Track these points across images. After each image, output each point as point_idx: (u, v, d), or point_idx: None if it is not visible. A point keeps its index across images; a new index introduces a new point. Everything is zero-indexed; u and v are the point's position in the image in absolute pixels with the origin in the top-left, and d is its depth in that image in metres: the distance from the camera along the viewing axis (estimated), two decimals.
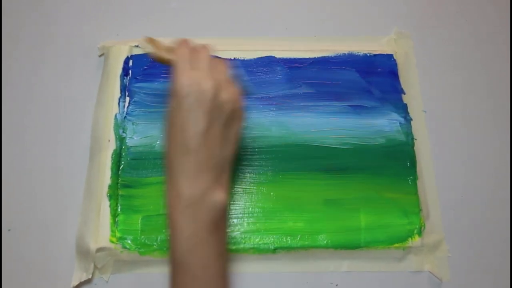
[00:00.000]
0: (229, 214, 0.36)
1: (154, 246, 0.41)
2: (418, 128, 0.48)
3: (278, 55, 0.49)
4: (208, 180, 0.33)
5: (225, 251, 0.35)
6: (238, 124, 0.35)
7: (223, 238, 0.35)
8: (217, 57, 0.37)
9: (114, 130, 0.45)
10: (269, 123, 0.46)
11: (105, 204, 0.42)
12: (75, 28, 0.52)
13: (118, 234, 0.41)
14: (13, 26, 0.51)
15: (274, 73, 0.48)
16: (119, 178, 0.43)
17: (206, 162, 0.33)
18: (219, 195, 0.33)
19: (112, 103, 0.46)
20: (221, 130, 0.33)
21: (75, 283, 0.40)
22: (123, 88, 0.47)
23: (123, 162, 0.44)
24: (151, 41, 0.38)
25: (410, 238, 0.42)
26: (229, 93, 0.34)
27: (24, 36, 0.51)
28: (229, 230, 0.41)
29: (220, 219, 0.34)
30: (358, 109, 0.47)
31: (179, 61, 0.34)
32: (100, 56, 0.50)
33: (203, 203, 0.32)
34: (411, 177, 0.45)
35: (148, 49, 0.37)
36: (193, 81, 0.32)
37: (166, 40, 0.50)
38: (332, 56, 0.49)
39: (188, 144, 0.32)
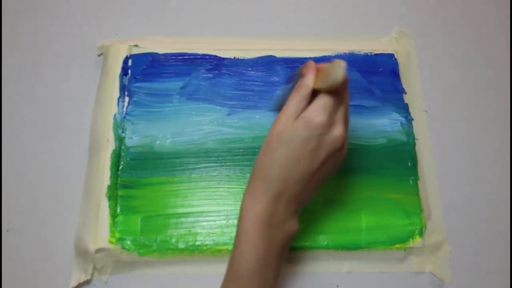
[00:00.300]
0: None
1: (154, 247, 0.41)
2: (420, 128, 0.47)
3: (279, 54, 0.49)
4: (291, 210, 0.34)
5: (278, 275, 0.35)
6: (335, 171, 0.36)
7: (281, 264, 0.35)
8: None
9: (113, 130, 0.45)
10: (269, 123, 0.46)
11: (104, 204, 0.42)
12: (74, 28, 0.51)
13: (117, 235, 0.41)
14: (12, 26, 0.51)
15: (275, 73, 0.48)
16: (119, 179, 0.43)
17: (298, 195, 0.34)
18: (294, 225, 0.35)
19: (111, 103, 0.46)
20: (326, 174, 0.35)
21: (74, 284, 0.40)
22: (122, 88, 0.47)
23: (122, 163, 0.44)
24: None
25: (411, 239, 0.42)
26: (346, 148, 0.35)
27: (23, 36, 0.51)
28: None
29: (287, 247, 0.35)
30: (359, 109, 0.47)
31: (330, 98, 0.33)
32: (99, 55, 0.50)
33: (280, 228, 0.34)
34: (412, 177, 0.44)
35: (341, 77, 0.32)
36: (331, 125, 0.33)
37: (166, 39, 0.50)
38: (333, 55, 0.49)
39: (294, 175, 0.33)
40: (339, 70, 0.32)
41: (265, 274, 0.33)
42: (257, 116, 0.46)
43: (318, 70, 0.35)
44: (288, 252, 0.36)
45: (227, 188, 0.43)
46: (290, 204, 0.34)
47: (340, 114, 0.34)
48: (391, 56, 0.50)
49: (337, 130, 0.33)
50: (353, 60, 0.49)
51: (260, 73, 0.48)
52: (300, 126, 0.33)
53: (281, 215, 0.33)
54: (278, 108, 0.37)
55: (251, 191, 0.34)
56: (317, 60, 0.49)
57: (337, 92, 0.33)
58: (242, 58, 0.49)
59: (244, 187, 0.43)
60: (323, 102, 0.33)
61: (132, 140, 0.45)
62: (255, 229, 0.33)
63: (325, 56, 0.49)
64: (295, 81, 0.36)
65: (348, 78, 0.34)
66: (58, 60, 0.50)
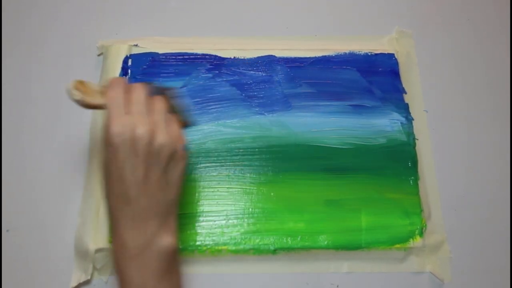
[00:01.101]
0: (179, 257, 0.35)
1: None
2: (420, 128, 0.47)
3: (279, 54, 0.49)
4: (153, 227, 0.32)
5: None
6: (180, 165, 0.33)
7: (176, 281, 0.34)
8: (159, 87, 0.34)
9: None
10: (269, 123, 0.46)
11: (104, 205, 0.42)
12: (74, 27, 0.51)
13: None
14: (12, 25, 0.51)
15: (275, 73, 0.48)
16: None
17: (148, 209, 0.32)
18: (166, 240, 0.32)
19: None
20: (161, 175, 0.32)
21: (74, 284, 0.40)
22: None
23: None
24: (81, 85, 0.33)
25: (411, 239, 0.42)
26: (166, 135, 0.32)
27: (24, 35, 0.51)
28: (182, 270, 0.37)
29: (170, 263, 0.33)
30: (359, 109, 0.47)
31: (110, 106, 0.31)
32: (99, 55, 0.50)
33: (149, 251, 0.32)
34: (412, 177, 0.44)
35: (76, 96, 0.32)
36: (125, 128, 0.30)
37: (166, 39, 0.50)
38: (333, 55, 0.49)
39: (127, 194, 0.31)
40: (70, 92, 0.32)
41: None
42: (257, 116, 0.46)
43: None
44: (179, 267, 0.34)
45: (227, 188, 0.43)
46: (146, 223, 0.32)
47: (135, 116, 0.31)
48: (391, 56, 0.49)
49: (135, 129, 0.30)
50: (353, 60, 0.49)
51: (260, 73, 0.48)
52: (103, 149, 0.31)
53: (142, 238, 0.31)
54: None
55: (110, 228, 0.33)
56: (318, 60, 0.49)
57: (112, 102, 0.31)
58: (242, 58, 0.49)
59: (244, 187, 0.43)
60: (105, 117, 0.31)
61: None
62: (123, 264, 0.32)
63: (325, 56, 0.49)
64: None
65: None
66: (58, 59, 0.50)
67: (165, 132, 0.32)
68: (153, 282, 0.32)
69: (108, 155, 0.31)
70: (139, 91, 0.32)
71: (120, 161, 0.31)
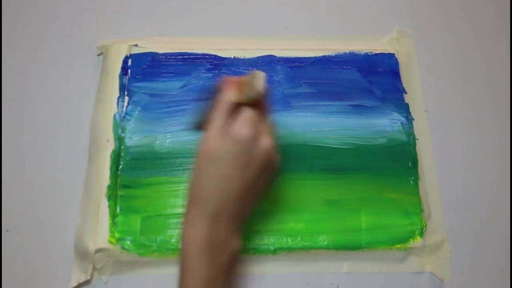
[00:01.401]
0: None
1: (154, 247, 0.41)
2: (420, 128, 0.47)
3: (279, 54, 0.49)
4: (232, 228, 0.34)
5: None
6: (273, 181, 0.36)
7: (235, 280, 0.35)
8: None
9: (113, 130, 0.45)
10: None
11: (104, 204, 0.42)
12: (74, 27, 0.51)
13: (117, 235, 0.41)
14: (12, 25, 0.51)
15: (275, 72, 0.48)
16: (118, 179, 0.43)
17: (238, 212, 0.34)
18: (237, 242, 0.34)
19: (111, 102, 0.46)
20: (262, 187, 0.35)
21: (74, 284, 0.40)
22: (122, 88, 0.47)
23: (122, 162, 0.44)
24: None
25: (411, 239, 0.42)
26: (278, 157, 0.35)
27: (23, 35, 0.51)
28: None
29: (235, 264, 0.35)
30: (359, 109, 0.47)
31: (253, 111, 0.33)
32: (99, 55, 0.50)
33: (223, 248, 0.33)
34: (412, 177, 0.44)
35: (261, 87, 0.32)
36: (259, 137, 0.33)
37: (166, 39, 0.50)
38: (333, 55, 0.49)
39: (230, 193, 0.33)
40: (259, 81, 0.32)
41: None
42: None
43: (237, 84, 0.34)
44: (237, 269, 0.36)
45: None
46: (230, 223, 0.33)
47: (265, 125, 0.34)
48: (391, 56, 0.49)
49: (265, 142, 0.33)
50: (353, 60, 0.49)
51: None
52: (227, 142, 0.32)
53: (222, 235, 0.33)
54: (197, 126, 0.36)
55: (189, 216, 0.33)
56: (318, 59, 0.49)
57: (259, 104, 0.33)
58: (242, 58, 0.49)
59: None
60: (248, 115, 0.33)
61: (132, 140, 0.45)
62: (198, 255, 0.32)
63: (325, 56, 0.49)
64: (214, 97, 0.35)
65: (268, 88, 0.33)
66: (58, 59, 0.50)
67: (277, 152, 0.35)
68: (221, 278, 0.33)
69: (233, 149, 0.32)
70: (268, 104, 0.35)
71: (241, 162, 0.32)
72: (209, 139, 0.33)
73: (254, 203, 0.35)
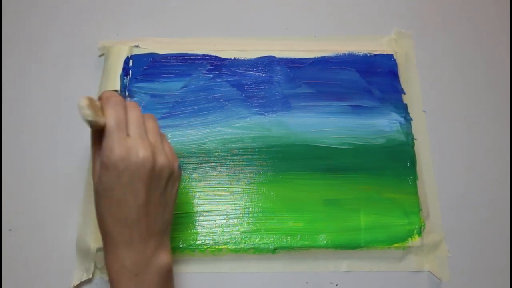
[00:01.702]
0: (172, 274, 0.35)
1: None
2: (418, 128, 0.48)
3: (278, 55, 0.49)
4: (151, 247, 0.32)
5: None
6: (176, 184, 0.34)
7: None
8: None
9: None
10: (269, 123, 0.46)
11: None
12: (75, 28, 0.51)
13: None
14: (13, 26, 0.51)
15: (274, 73, 0.48)
16: None
17: (147, 230, 0.32)
18: (163, 258, 0.33)
19: None
20: (160, 196, 0.32)
21: (76, 282, 0.41)
22: (123, 88, 0.47)
23: None
24: (90, 102, 0.30)
25: (410, 238, 0.42)
26: (165, 157, 0.32)
27: (24, 36, 0.51)
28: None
29: (167, 281, 0.33)
30: (358, 109, 0.47)
31: (111, 128, 0.30)
32: (100, 56, 0.50)
33: (148, 270, 0.32)
34: (411, 177, 0.45)
35: (89, 116, 0.29)
36: (129, 153, 0.30)
37: (166, 40, 0.50)
38: (332, 56, 0.49)
39: (128, 218, 0.31)
40: (83, 111, 0.29)
41: None
42: (257, 116, 0.46)
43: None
44: (173, 282, 0.34)
45: (227, 187, 0.44)
46: (146, 243, 0.32)
47: (133, 138, 0.31)
48: (390, 56, 0.50)
49: (138, 154, 0.30)
50: (353, 61, 0.49)
51: (260, 73, 0.48)
52: (102, 172, 0.31)
53: (143, 258, 0.32)
54: None
55: (105, 249, 0.32)
56: (317, 60, 0.49)
57: (118, 123, 0.31)
58: (242, 58, 0.49)
59: (244, 186, 0.44)
60: (105, 139, 0.30)
61: None
62: (123, 281, 0.31)
63: (324, 57, 0.49)
64: None
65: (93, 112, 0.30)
66: (59, 60, 0.50)
67: (163, 154, 0.32)
68: None
69: (109, 178, 0.30)
70: (136, 110, 0.32)
71: (123, 185, 0.30)
72: (91, 175, 0.32)
73: (164, 215, 0.33)
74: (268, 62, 0.49)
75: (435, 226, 0.44)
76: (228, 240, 0.42)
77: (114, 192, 0.30)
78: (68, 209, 0.43)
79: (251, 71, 0.48)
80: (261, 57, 0.49)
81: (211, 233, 0.42)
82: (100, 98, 0.32)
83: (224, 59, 0.49)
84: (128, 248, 0.31)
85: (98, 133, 0.32)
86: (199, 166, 0.44)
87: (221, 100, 0.47)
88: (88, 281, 0.41)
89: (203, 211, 0.43)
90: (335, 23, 0.53)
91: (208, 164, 0.44)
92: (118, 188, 0.30)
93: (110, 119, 0.31)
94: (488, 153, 0.48)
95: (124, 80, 0.47)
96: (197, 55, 0.49)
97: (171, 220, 0.34)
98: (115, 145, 0.30)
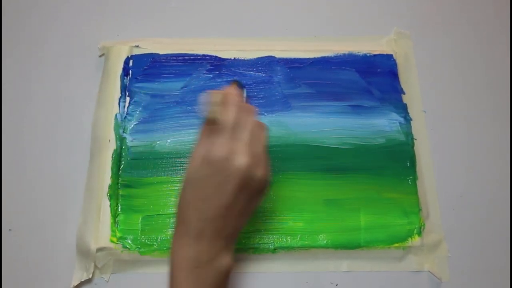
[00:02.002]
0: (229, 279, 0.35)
1: (154, 246, 0.41)
2: (418, 128, 0.48)
3: (278, 55, 0.49)
4: (218, 246, 0.33)
5: None
6: (262, 199, 0.35)
7: None
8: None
9: (114, 130, 0.45)
10: (269, 123, 0.46)
11: (105, 204, 0.42)
12: (75, 28, 0.52)
13: (118, 234, 0.41)
14: (13, 26, 0.51)
15: (274, 73, 0.48)
16: (119, 178, 0.43)
17: (220, 231, 0.33)
18: (226, 261, 0.33)
19: (113, 103, 0.46)
20: (245, 205, 0.33)
21: (76, 282, 0.41)
22: (123, 88, 0.47)
23: (123, 162, 0.44)
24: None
25: (410, 238, 0.42)
26: (264, 172, 0.33)
27: (24, 36, 0.51)
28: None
29: (223, 284, 0.34)
30: (358, 109, 0.47)
31: (225, 128, 0.32)
32: (100, 56, 0.50)
33: (208, 267, 0.33)
34: (411, 177, 0.45)
35: (216, 113, 0.32)
36: (233, 156, 0.31)
37: (166, 40, 0.50)
38: (332, 56, 0.49)
39: (208, 213, 0.32)
40: (209, 106, 0.32)
41: None
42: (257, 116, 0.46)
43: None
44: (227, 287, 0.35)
45: None
46: (215, 242, 0.33)
47: (241, 143, 0.32)
48: (389, 56, 0.50)
49: (240, 160, 0.31)
50: (352, 61, 0.49)
51: (260, 73, 0.48)
52: (200, 164, 0.32)
53: (207, 255, 0.32)
54: None
55: (176, 234, 0.34)
56: (317, 60, 0.49)
57: (236, 123, 0.32)
58: (242, 58, 0.49)
59: None
60: (216, 135, 0.32)
61: (133, 140, 0.45)
62: (183, 274, 0.32)
63: (324, 57, 0.49)
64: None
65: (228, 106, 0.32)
66: (59, 60, 0.50)
67: (263, 168, 0.33)
68: None
69: (206, 172, 0.32)
70: (252, 116, 0.34)
71: (216, 183, 0.32)
72: (189, 160, 0.33)
73: (240, 220, 0.34)
74: (268, 62, 0.49)
75: (435, 226, 0.44)
76: None
77: (205, 186, 0.32)
78: (68, 209, 0.43)
79: (251, 71, 0.48)
80: (261, 57, 0.49)
81: None
82: (220, 93, 0.33)
83: (224, 59, 0.49)
84: (197, 241, 0.32)
85: (210, 124, 0.33)
86: None
87: None
88: (88, 281, 0.41)
89: None
90: (335, 24, 0.53)
91: None
92: (211, 184, 0.32)
93: (228, 118, 0.32)
94: (488, 153, 0.48)
95: (124, 80, 0.47)
96: (197, 55, 0.49)
97: (242, 229, 0.35)
98: (223, 145, 0.32)
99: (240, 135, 0.32)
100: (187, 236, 0.33)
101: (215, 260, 0.33)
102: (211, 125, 0.33)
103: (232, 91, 0.34)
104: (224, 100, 0.33)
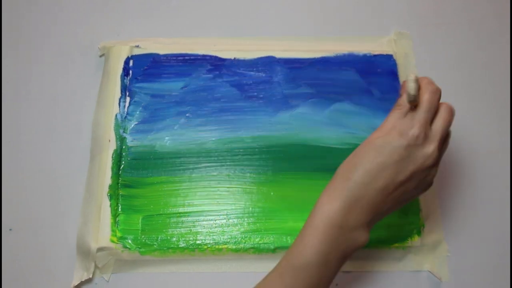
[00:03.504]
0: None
1: (155, 246, 0.41)
2: None
3: (278, 55, 0.49)
4: (365, 219, 0.33)
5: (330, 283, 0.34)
6: (420, 193, 0.36)
7: (337, 272, 0.34)
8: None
9: (114, 130, 0.45)
10: (269, 123, 0.46)
11: (106, 204, 0.42)
12: (76, 28, 0.52)
13: (118, 234, 0.41)
14: (13, 26, 0.51)
15: (274, 73, 0.48)
16: (120, 178, 0.43)
17: (376, 205, 0.33)
18: (362, 236, 0.33)
19: (113, 103, 0.46)
20: (409, 192, 0.34)
21: (76, 282, 0.41)
22: (124, 88, 0.47)
23: (123, 162, 0.44)
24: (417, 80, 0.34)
25: (409, 238, 0.42)
26: (435, 169, 0.35)
27: (24, 36, 0.51)
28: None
29: (350, 256, 0.34)
30: (358, 109, 0.47)
31: (424, 110, 0.34)
32: (100, 56, 0.50)
33: (349, 234, 0.33)
34: None
35: (412, 90, 0.33)
36: (423, 142, 0.33)
37: (166, 40, 0.50)
38: (332, 56, 0.49)
39: (378, 183, 0.33)
40: (409, 84, 0.33)
41: (321, 273, 0.32)
42: (257, 116, 0.47)
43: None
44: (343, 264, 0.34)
45: (227, 187, 0.44)
46: (365, 212, 0.33)
47: (436, 132, 0.34)
48: (389, 57, 0.50)
49: (430, 147, 0.33)
50: (352, 61, 0.49)
51: (260, 73, 0.49)
52: (393, 135, 0.33)
53: (354, 220, 0.32)
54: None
55: (331, 188, 0.34)
56: (317, 60, 0.49)
57: (430, 108, 0.34)
58: (242, 58, 0.49)
59: (244, 186, 0.44)
60: (417, 117, 0.33)
61: (133, 140, 0.45)
62: (325, 226, 0.32)
63: (324, 57, 0.49)
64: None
65: (435, 90, 0.34)
66: (59, 60, 0.50)
67: (438, 166, 0.35)
68: (336, 259, 0.32)
69: (397, 143, 0.33)
70: (449, 114, 0.35)
71: (400, 157, 0.33)
72: (378, 130, 0.34)
73: (395, 204, 0.34)
74: (268, 62, 0.49)
75: (434, 226, 0.44)
76: (228, 240, 0.42)
77: (389, 156, 0.33)
78: (68, 209, 0.43)
79: (251, 71, 0.49)
80: (261, 57, 0.49)
81: (211, 232, 0.42)
82: (418, 80, 0.35)
83: (224, 59, 0.49)
84: (352, 203, 0.32)
85: (408, 103, 0.34)
86: (200, 166, 0.44)
87: (221, 100, 0.47)
88: (88, 281, 0.41)
89: (203, 210, 0.43)
90: (335, 24, 0.53)
91: (209, 164, 0.44)
92: (396, 156, 0.33)
93: (427, 101, 0.34)
94: (489, 153, 0.48)
95: (125, 80, 0.47)
96: (197, 55, 0.49)
97: (388, 215, 0.35)
98: (417, 127, 0.33)
99: (436, 126, 0.34)
100: (344, 194, 0.33)
101: (356, 230, 0.33)
102: (409, 103, 0.34)
103: (428, 79, 0.35)
104: (424, 85, 0.34)
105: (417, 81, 0.34)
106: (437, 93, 0.35)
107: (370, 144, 0.34)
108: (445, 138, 0.35)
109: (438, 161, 0.35)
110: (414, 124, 0.33)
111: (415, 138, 0.33)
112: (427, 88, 0.34)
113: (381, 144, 0.33)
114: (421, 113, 0.34)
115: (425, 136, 0.33)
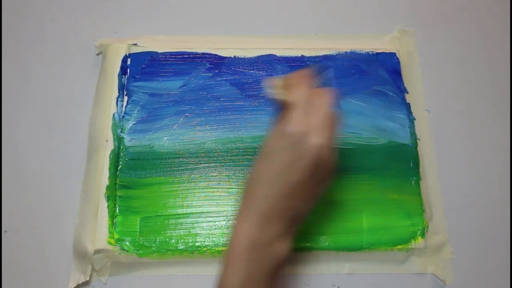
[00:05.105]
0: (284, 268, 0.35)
1: (153, 248, 0.41)
2: (421, 128, 0.47)
3: (279, 53, 0.49)
4: (279, 229, 0.33)
5: None
6: (328, 184, 0.35)
7: (277, 286, 0.34)
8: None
9: (112, 129, 0.44)
10: (269, 124, 0.46)
11: (103, 205, 0.42)
12: (73, 27, 0.51)
13: (116, 236, 0.41)
14: (10, 24, 0.51)
15: (275, 72, 0.48)
16: (117, 179, 0.43)
17: (284, 211, 0.33)
18: (283, 247, 0.33)
19: (110, 102, 0.45)
20: (312, 188, 0.34)
21: (73, 285, 0.40)
22: (121, 87, 0.46)
23: (121, 163, 0.43)
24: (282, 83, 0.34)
25: (413, 240, 0.42)
26: (332, 156, 0.33)
27: (22, 35, 0.51)
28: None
29: (277, 270, 0.33)
30: (360, 109, 0.46)
31: (296, 105, 0.33)
32: (98, 54, 0.49)
33: (268, 250, 0.32)
34: (414, 178, 0.44)
35: (280, 95, 0.34)
36: (307, 131, 0.32)
37: (165, 38, 0.50)
38: (334, 54, 0.49)
39: (278, 189, 0.32)
40: (269, 91, 0.34)
41: None
42: (258, 115, 0.46)
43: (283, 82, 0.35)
44: (281, 276, 0.34)
45: (227, 188, 0.43)
46: (277, 222, 0.32)
47: (316, 122, 0.32)
48: (393, 55, 0.49)
49: (315, 139, 0.32)
50: (355, 59, 0.49)
51: (260, 72, 0.48)
52: (275, 138, 0.33)
53: (269, 234, 0.32)
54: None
55: (240, 210, 0.33)
56: (319, 59, 0.49)
57: (298, 101, 0.33)
58: (242, 57, 0.49)
59: (243, 187, 0.43)
60: (292, 115, 0.33)
61: (131, 140, 0.44)
62: (242, 251, 0.32)
63: (326, 55, 0.49)
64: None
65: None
66: (56, 59, 0.49)
67: (333, 154, 0.33)
68: (262, 279, 0.32)
69: (281, 145, 0.32)
70: (325, 99, 0.33)
71: (289, 157, 0.32)
72: (266, 137, 0.34)
73: (305, 204, 0.34)
74: (268, 61, 0.48)
75: (438, 227, 0.44)
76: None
77: (278, 161, 0.32)
78: (65, 210, 0.43)
79: (251, 69, 0.48)
80: (261, 56, 0.49)
81: (211, 234, 0.41)
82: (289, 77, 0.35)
83: (224, 58, 0.48)
84: (261, 218, 0.32)
85: (281, 107, 0.34)
86: (199, 166, 0.44)
87: (221, 99, 0.47)
88: (85, 283, 0.41)
89: (203, 212, 0.42)
90: (337, 21, 0.53)
91: (208, 165, 0.44)
92: (285, 158, 0.32)
93: (298, 98, 0.33)
94: (492, 153, 0.47)
95: (122, 79, 0.47)
96: (196, 53, 0.48)
97: (304, 216, 0.35)
98: (299, 120, 0.32)
99: (313, 116, 0.33)
100: (251, 213, 0.32)
101: (274, 244, 0.32)
102: (282, 107, 0.34)
103: (302, 73, 0.35)
104: (289, 83, 0.34)
105: (279, 86, 0.34)
106: (301, 86, 0.34)
107: (262, 155, 0.34)
108: (330, 122, 0.33)
109: (328, 148, 0.33)
110: (290, 121, 0.32)
111: (298, 134, 0.32)
112: (293, 85, 0.34)
113: (269, 151, 0.33)
114: (294, 110, 0.33)
115: (307, 128, 0.32)
